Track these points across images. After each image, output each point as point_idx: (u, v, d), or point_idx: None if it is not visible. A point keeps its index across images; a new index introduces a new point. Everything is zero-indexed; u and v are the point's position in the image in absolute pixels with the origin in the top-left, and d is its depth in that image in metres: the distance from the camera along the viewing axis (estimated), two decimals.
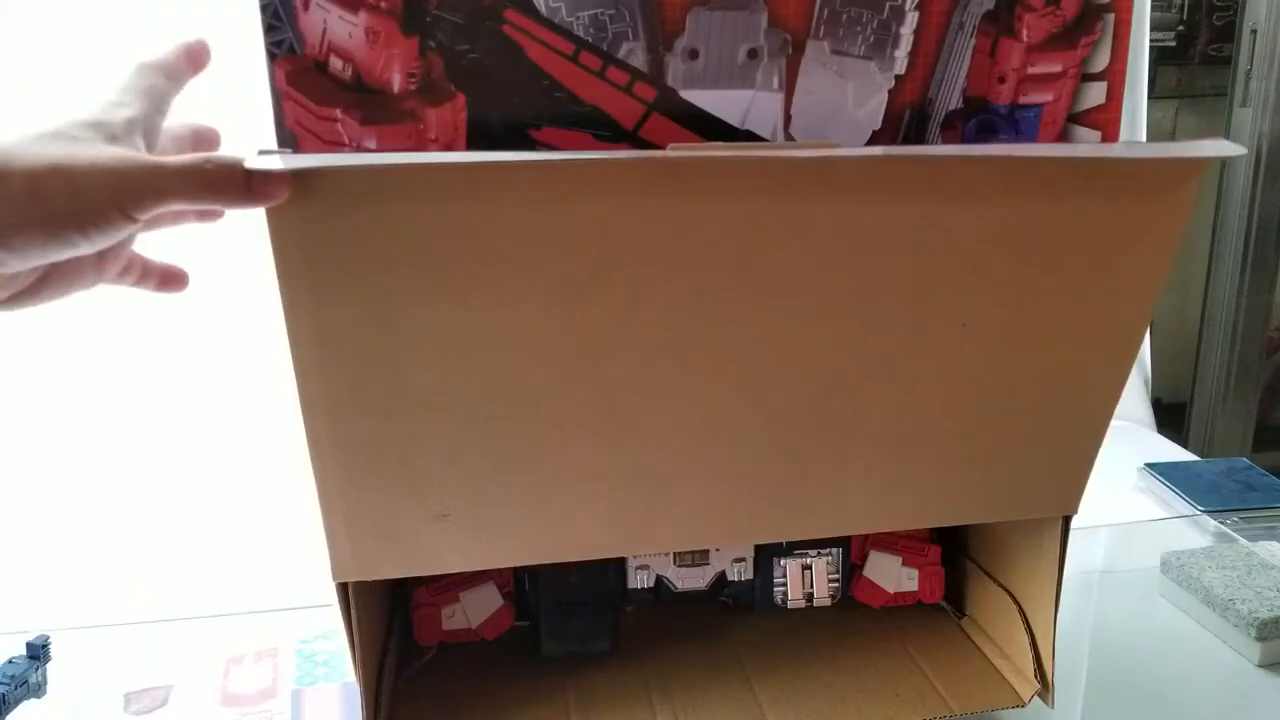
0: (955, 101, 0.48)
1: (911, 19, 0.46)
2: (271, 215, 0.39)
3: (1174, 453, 1.01)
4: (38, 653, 0.61)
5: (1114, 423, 1.18)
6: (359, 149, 0.44)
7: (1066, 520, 0.55)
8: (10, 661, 0.60)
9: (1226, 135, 1.54)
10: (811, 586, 0.64)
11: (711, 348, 0.46)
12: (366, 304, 0.42)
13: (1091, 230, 0.46)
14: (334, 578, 0.49)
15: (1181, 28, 1.64)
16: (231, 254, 0.93)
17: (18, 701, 0.59)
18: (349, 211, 0.40)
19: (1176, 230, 0.46)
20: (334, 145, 0.44)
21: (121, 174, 0.37)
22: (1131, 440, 1.04)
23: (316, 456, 0.46)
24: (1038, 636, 0.58)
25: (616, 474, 0.49)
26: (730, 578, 0.64)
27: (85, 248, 0.38)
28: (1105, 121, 0.49)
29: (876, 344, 0.47)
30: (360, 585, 0.51)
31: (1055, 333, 0.49)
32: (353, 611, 0.50)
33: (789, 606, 0.64)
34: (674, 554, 0.63)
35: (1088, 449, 0.53)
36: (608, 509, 0.50)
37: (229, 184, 0.38)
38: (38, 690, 0.60)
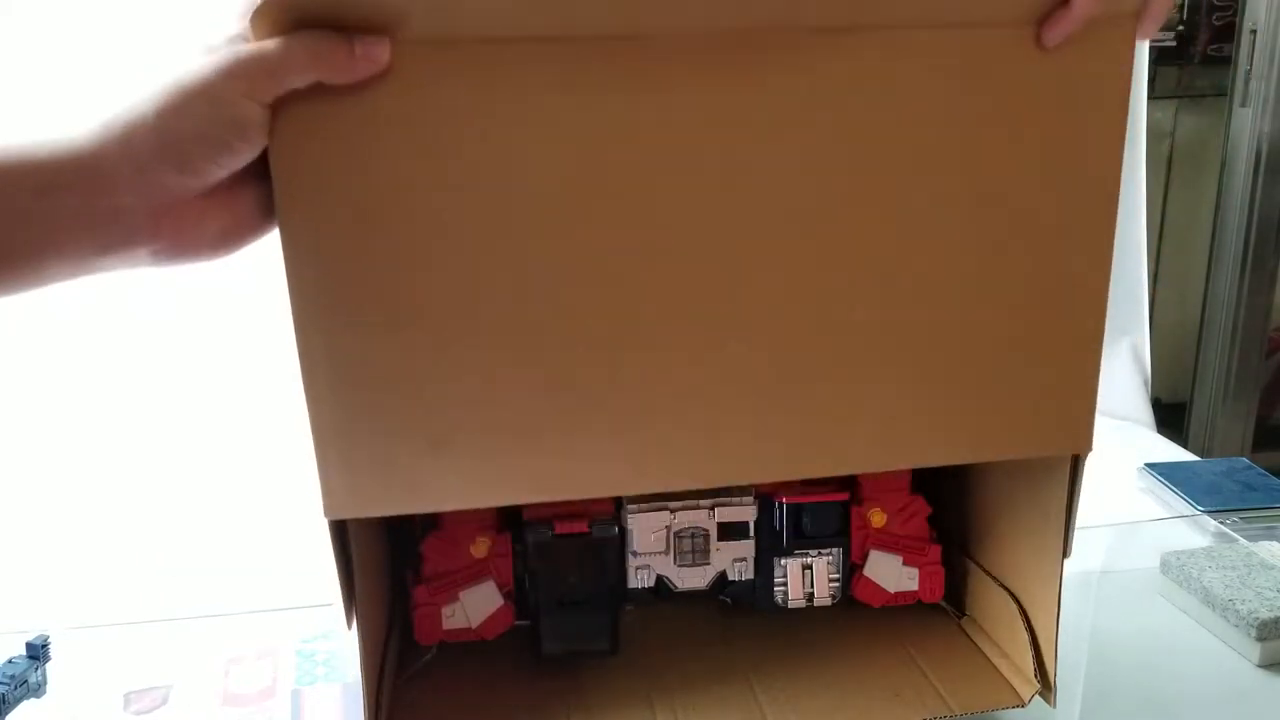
0: None
1: None
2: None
3: (1174, 453, 1.01)
4: (38, 653, 0.61)
5: (1114, 422, 1.19)
6: None
7: (1076, 463, 0.54)
8: (10, 661, 0.60)
9: (1226, 135, 1.54)
10: (812, 586, 0.64)
11: (707, 256, 0.47)
12: (361, 201, 0.42)
13: (1042, 87, 0.47)
14: (325, 514, 0.48)
15: (1181, 28, 1.64)
16: (237, 257, 0.93)
17: (18, 701, 0.59)
18: (347, 103, 0.41)
19: (1121, 89, 0.48)
20: None
21: (234, 66, 0.39)
22: (1131, 440, 1.04)
23: (310, 384, 0.45)
24: (1039, 636, 0.58)
25: (619, 398, 0.48)
26: (731, 577, 0.64)
27: (241, 146, 0.40)
28: None
29: (857, 240, 0.48)
30: (360, 583, 0.51)
31: (1028, 219, 0.49)
32: (350, 551, 0.49)
33: (789, 606, 0.64)
34: (674, 553, 0.63)
35: (1085, 367, 0.52)
36: (609, 437, 0.49)
37: (336, 53, 0.40)
38: (37, 690, 0.60)
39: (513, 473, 0.49)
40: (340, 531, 0.49)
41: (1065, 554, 0.56)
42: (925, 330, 0.50)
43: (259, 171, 0.42)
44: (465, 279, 0.45)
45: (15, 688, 0.58)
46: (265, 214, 0.44)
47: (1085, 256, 0.50)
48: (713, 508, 0.62)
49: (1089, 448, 0.54)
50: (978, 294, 0.50)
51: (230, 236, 0.44)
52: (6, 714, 0.58)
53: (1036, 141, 0.48)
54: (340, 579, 0.50)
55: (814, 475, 0.55)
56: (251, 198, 0.43)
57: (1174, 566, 0.72)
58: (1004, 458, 0.58)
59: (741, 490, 0.63)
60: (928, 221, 0.48)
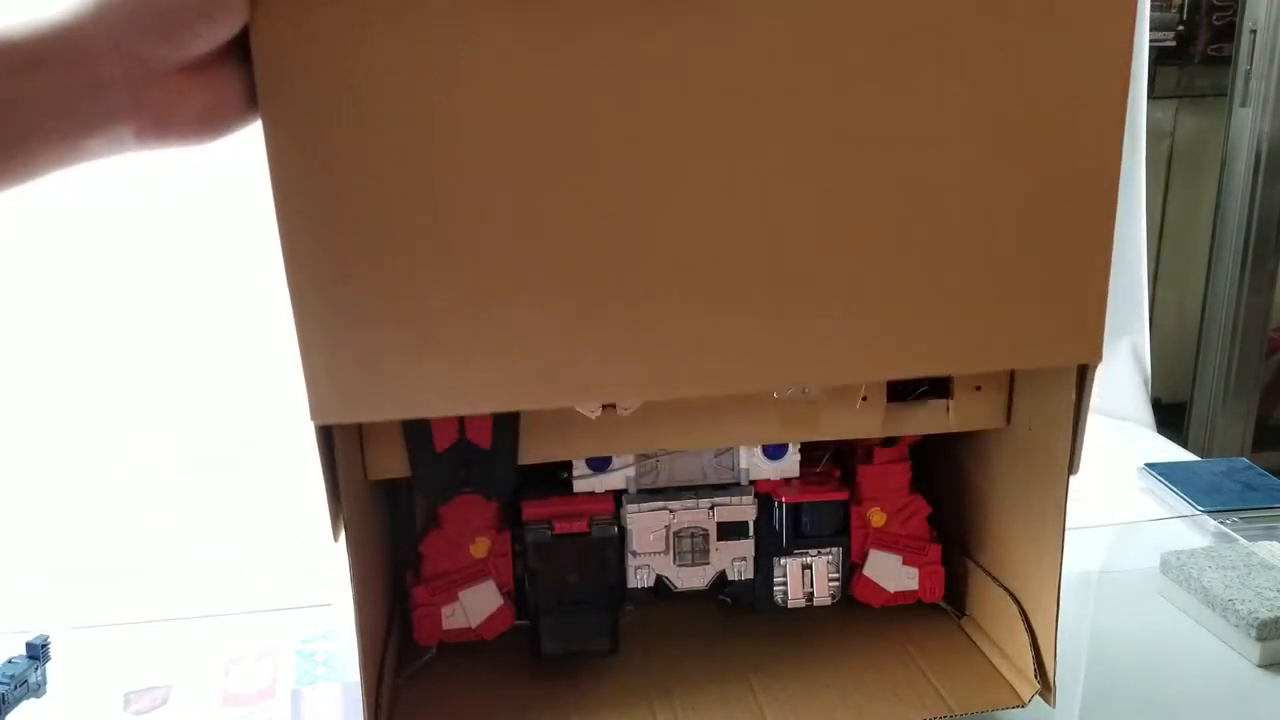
0: None
1: None
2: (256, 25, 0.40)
3: (1174, 453, 1.01)
4: (38, 653, 0.61)
5: (1114, 422, 1.19)
6: None
7: (1083, 372, 0.53)
8: (10, 661, 0.60)
9: (1226, 135, 1.54)
10: (811, 586, 0.64)
11: (706, 157, 0.46)
12: (347, 91, 0.42)
13: None
14: (313, 418, 0.46)
15: (1181, 28, 1.64)
16: (232, 255, 0.93)
17: (17, 701, 0.59)
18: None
19: None
20: None
21: None
22: (1131, 440, 1.04)
23: (296, 286, 0.44)
24: (1038, 636, 0.58)
25: (613, 303, 0.47)
26: (730, 577, 0.64)
27: (221, 16, 0.40)
28: None
29: (858, 145, 0.47)
30: (361, 582, 0.51)
31: (1033, 121, 0.48)
32: (335, 458, 0.48)
33: (789, 606, 0.64)
34: (674, 552, 0.63)
35: (1093, 275, 0.50)
36: (602, 344, 0.47)
37: None
38: (37, 690, 0.60)
39: (503, 378, 0.47)
40: (326, 437, 0.48)
41: (1073, 470, 0.54)
42: (930, 237, 0.48)
43: (242, 53, 0.41)
44: (456, 177, 0.44)
45: (15, 688, 0.58)
46: (248, 98, 0.43)
47: (1093, 156, 0.48)
48: (712, 507, 0.62)
49: (1098, 358, 0.52)
50: (984, 200, 0.48)
51: (213, 117, 0.43)
52: (6, 714, 0.58)
53: (1040, 34, 0.46)
54: (326, 488, 0.48)
55: (820, 382, 0.53)
56: (234, 78, 0.42)
57: (1174, 566, 0.72)
58: (1011, 367, 0.56)
59: (741, 489, 0.63)
60: (931, 125, 0.47)
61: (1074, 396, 0.53)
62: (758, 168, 0.46)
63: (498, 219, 0.45)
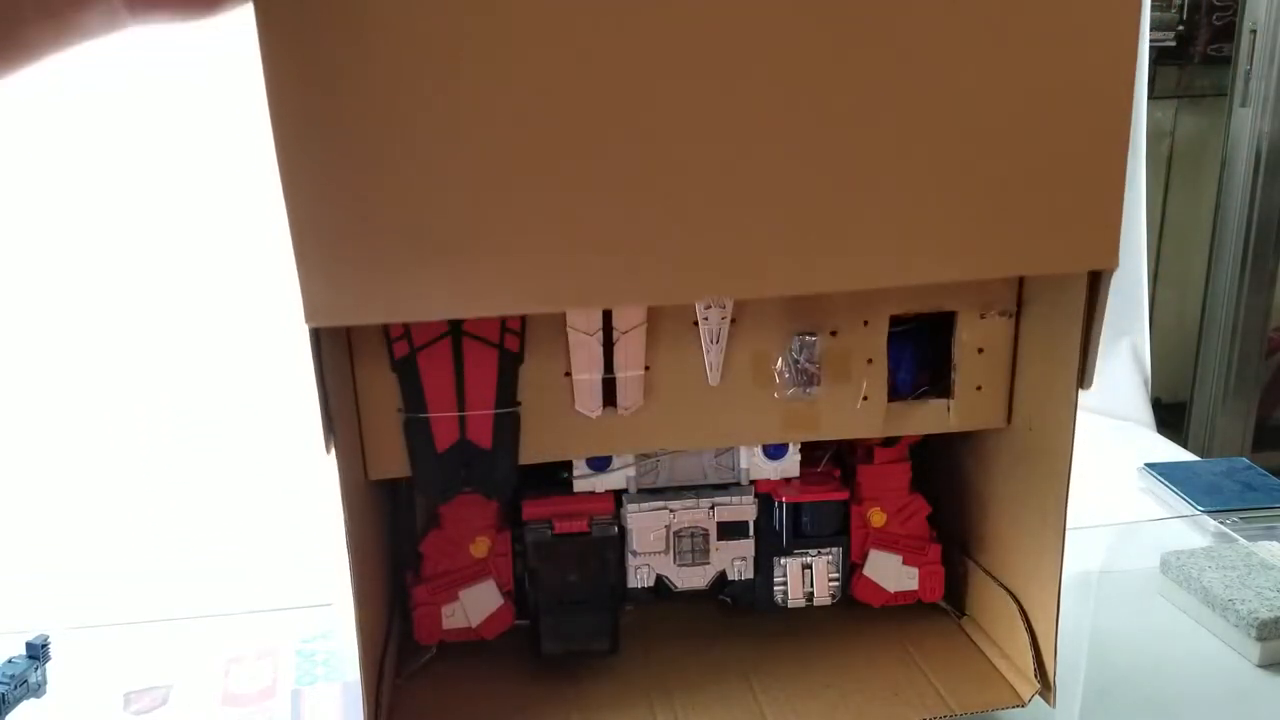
0: None
1: None
2: None
3: (1174, 453, 1.01)
4: (38, 653, 0.61)
5: (1114, 422, 1.19)
6: None
7: (1095, 278, 0.51)
8: (10, 661, 0.60)
9: (1226, 135, 1.54)
10: (812, 586, 0.64)
11: (710, 59, 0.44)
12: None
13: None
14: (306, 321, 0.45)
15: (1181, 28, 1.64)
16: (233, 256, 0.93)
17: (17, 701, 0.59)
18: None
19: None
20: None
21: None
22: (1131, 440, 1.04)
23: (289, 182, 0.43)
24: (1039, 636, 0.58)
25: (619, 206, 0.45)
26: (730, 576, 0.64)
27: None
28: None
29: (868, 42, 0.45)
30: (361, 580, 0.51)
31: (1048, 19, 0.46)
32: (325, 367, 0.47)
33: (789, 606, 0.64)
34: (674, 552, 0.63)
35: (1108, 176, 0.49)
36: (605, 247, 0.46)
37: None
38: (37, 690, 0.60)
39: (502, 281, 0.46)
40: (317, 344, 0.46)
41: (1084, 385, 0.53)
42: (939, 138, 0.47)
43: None
44: (454, 79, 0.42)
45: (15, 688, 0.58)
46: None
47: (1107, 57, 0.47)
48: (712, 507, 0.62)
49: (1114, 264, 0.50)
50: (994, 101, 0.47)
51: None
52: (6, 714, 0.58)
53: None
54: (319, 399, 0.47)
55: (829, 288, 0.51)
56: None
57: (1174, 566, 0.72)
58: (1023, 273, 0.55)
59: (741, 489, 0.63)
60: (941, 25, 0.46)
61: (1085, 305, 0.51)
62: (764, 71, 0.45)
63: (497, 119, 0.44)
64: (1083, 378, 0.53)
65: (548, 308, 0.51)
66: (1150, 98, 1.19)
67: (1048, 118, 0.48)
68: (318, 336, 0.46)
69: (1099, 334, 0.52)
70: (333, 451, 0.49)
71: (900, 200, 0.48)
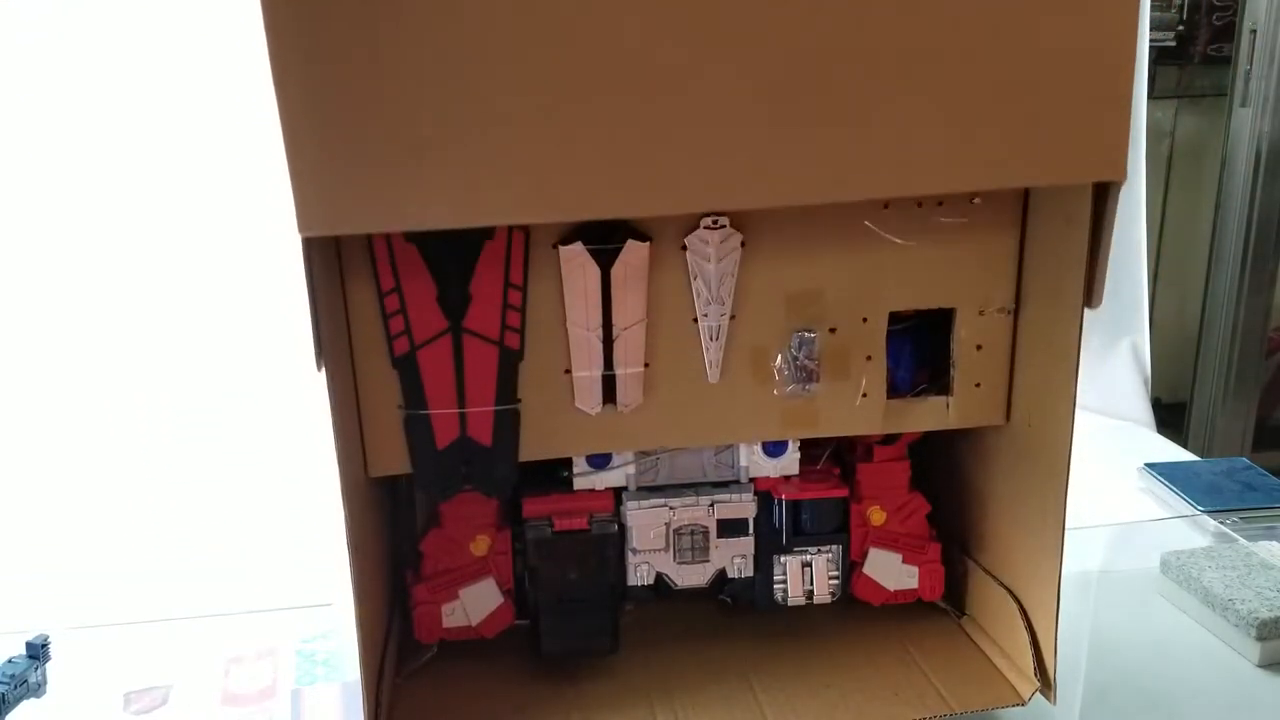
0: None
1: None
2: None
3: (1174, 453, 1.01)
4: (38, 653, 0.61)
5: (1114, 422, 1.18)
6: None
7: (1102, 191, 0.51)
8: (10, 661, 0.60)
9: (1226, 135, 1.54)
10: (811, 584, 0.64)
11: None
12: None
13: None
14: (300, 231, 0.44)
15: (1181, 28, 1.64)
16: (235, 256, 0.93)
17: (18, 701, 0.59)
18: None
19: None
20: None
21: None
22: (1131, 440, 1.04)
23: (285, 100, 0.42)
24: (1039, 634, 0.58)
25: (616, 113, 0.45)
26: (730, 574, 0.64)
27: None
28: None
29: None
30: (361, 579, 0.51)
31: None
32: (316, 279, 0.46)
33: (789, 604, 0.64)
34: (674, 550, 0.63)
35: (1116, 87, 0.48)
36: (602, 156, 0.45)
37: None
38: (37, 690, 0.60)
39: (497, 190, 0.45)
40: (310, 258, 0.46)
41: (1091, 304, 0.52)
42: (946, 48, 0.47)
43: None
44: None
45: (15, 688, 0.58)
46: None
47: None
48: (712, 505, 0.62)
49: (1122, 176, 0.50)
50: (1001, 6, 0.46)
51: None
52: (6, 714, 0.58)
53: None
54: (310, 318, 0.47)
55: (836, 198, 0.50)
56: None
57: (1174, 566, 0.72)
58: (1031, 184, 0.54)
59: (741, 487, 0.63)
60: None
61: (1092, 220, 0.51)
62: None
63: (494, 21, 0.43)
64: (1090, 295, 0.52)
65: (545, 217, 0.49)
66: (1150, 98, 1.19)
67: (1055, 30, 0.47)
68: (310, 250, 0.45)
69: (1108, 251, 0.51)
70: (323, 370, 0.48)
71: (906, 109, 0.47)
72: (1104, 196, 0.51)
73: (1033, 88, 0.48)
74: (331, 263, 0.52)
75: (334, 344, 0.51)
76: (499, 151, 0.45)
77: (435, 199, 0.45)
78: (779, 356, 0.58)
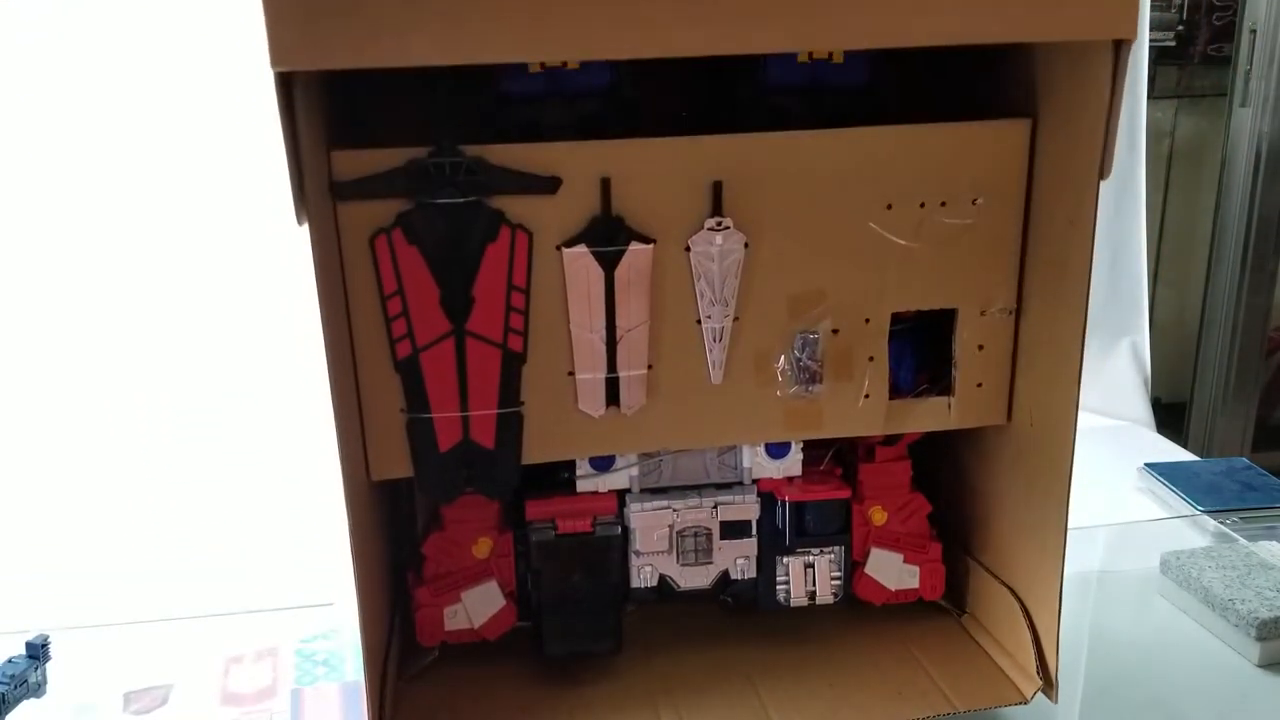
0: None
1: None
2: None
3: (1174, 453, 1.01)
4: (38, 652, 0.60)
5: (1113, 422, 1.19)
6: None
7: (1118, 56, 0.50)
8: (10, 661, 0.60)
9: (1226, 135, 1.54)
10: (814, 584, 0.64)
11: None
12: None
13: None
14: (272, 65, 0.41)
15: (1181, 28, 1.64)
16: (235, 256, 0.93)
17: (18, 701, 0.59)
18: None
19: None
20: None
21: None
22: (1131, 440, 1.04)
23: None
24: (1040, 633, 0.58)
25: None
26: (733, 576, 0.64)
27: None
28: None
29: None
30: (364, 582, 0.51)
31: None
32: (297, 118, 0.43)
33: (792, 604, 0.64)
34: (677, 552, 0.63)
35: None
36: None
37: None
38: (37, 690, 0.60)
39: (487, 21, 0.42)
40: (286, 91, 0.43)
41: (1103, 175, 0.51)
42: None
43: None
44: None
45: (15, 688, 0.58)
46: None
47: None
48: (715, 506, 0.62)
49: (1133, 34, 0.49)
50: None
51: None
52: (6, 714, 0.58)
53: None
54: (289, 165, 0.44)
55: (845, 45, 0.49)
56: None
57: (1174, 566, 0.72)
58: (1042, 38, 0.53)
59: (744, 488, 0.63)
60: None
61: (1109, 83, 0.49)
62: None
63: None
64: (1104, 166, 0.51)
65: (536, 56, 0.46)
66: (1150, 98, 1.19)
67: None
68: (287, 87, 0.43)
69: (1118, 114, 0.50)
70: (305, 224, 0.45)
71: None
72: (1119, 54, 0.49)
73: None
74: (334, 263, 0.52)
75: (336, 347, 0.51)
76: None
77: (419, 30, 0.42)
78: (782, 358, 0.58)
